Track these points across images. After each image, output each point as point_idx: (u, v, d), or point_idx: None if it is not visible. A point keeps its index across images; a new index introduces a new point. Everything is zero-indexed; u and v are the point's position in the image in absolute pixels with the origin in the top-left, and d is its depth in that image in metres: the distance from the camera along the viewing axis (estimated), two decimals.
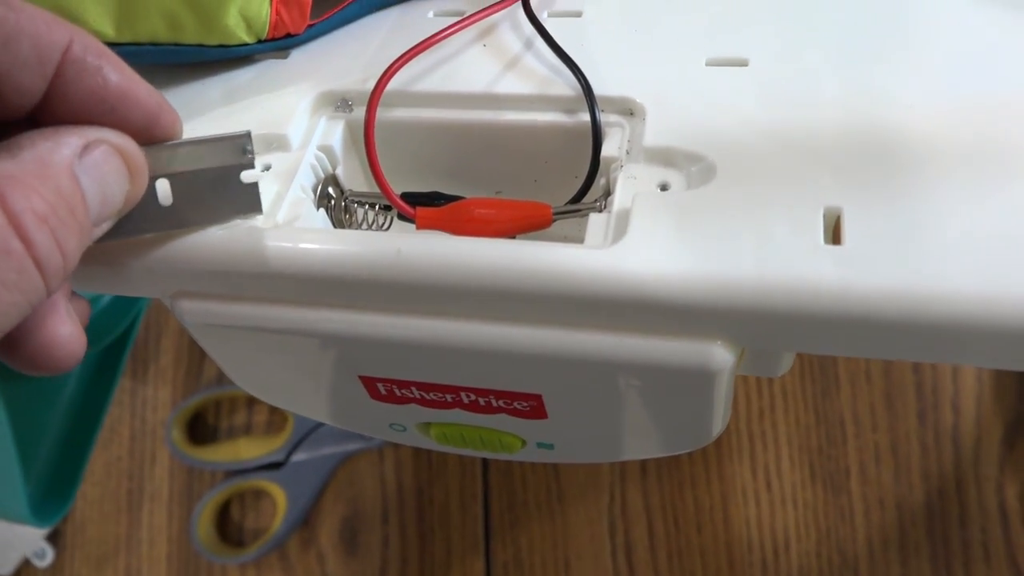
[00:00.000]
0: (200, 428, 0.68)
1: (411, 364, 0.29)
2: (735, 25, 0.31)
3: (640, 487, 0.59)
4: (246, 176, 0.26)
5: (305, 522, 0.64)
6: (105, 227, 0.24)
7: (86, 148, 0.23)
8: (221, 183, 0.26)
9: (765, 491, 0.58)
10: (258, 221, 0.27)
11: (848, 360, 0.60)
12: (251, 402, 0.67)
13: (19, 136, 0.22)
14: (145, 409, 0.69)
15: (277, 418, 0.67)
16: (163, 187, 0.25)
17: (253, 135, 0.30)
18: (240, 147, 0.26)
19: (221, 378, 0.68)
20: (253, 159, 0.26)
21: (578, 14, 0.33)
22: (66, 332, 0.24)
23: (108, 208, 0.24)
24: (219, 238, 0.27)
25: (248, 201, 0.27)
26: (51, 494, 0.63)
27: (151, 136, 0.25)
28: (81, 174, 0.22)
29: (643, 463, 0.60)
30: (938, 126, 0.27)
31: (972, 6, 0.30)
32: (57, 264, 0.22)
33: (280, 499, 0.64)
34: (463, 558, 0.61)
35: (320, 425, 0.65)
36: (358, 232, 0.27)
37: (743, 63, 0.30)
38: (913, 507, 0.56)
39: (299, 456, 0.64)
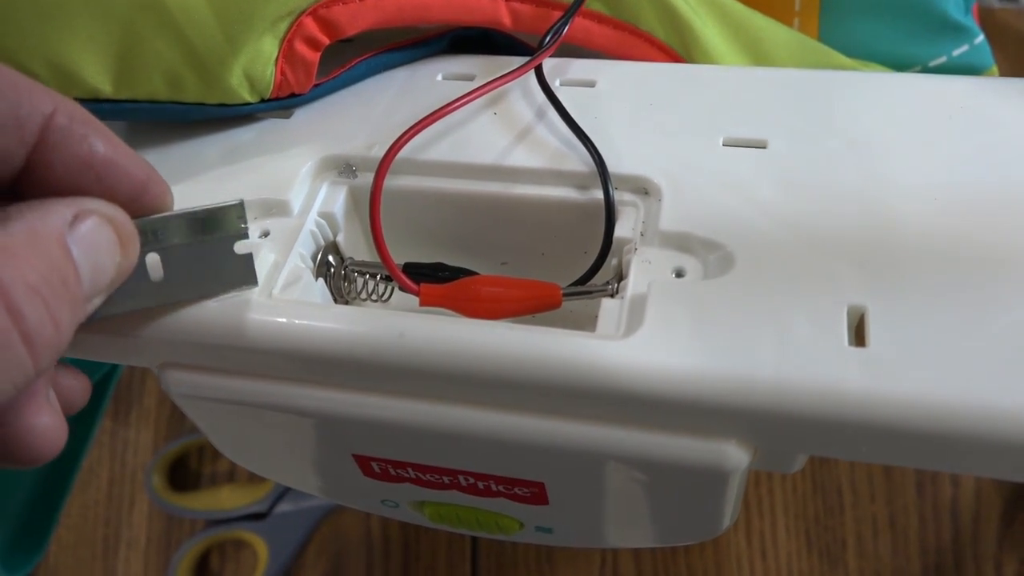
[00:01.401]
0: (182, 474, 0.66)
1: (408, 446, 0.28)
2: (753, 105, 0.30)
3: (633, 552, 0.58)
4: (239, 248, 0.25)
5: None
6: (97, 302, 0.23)
7: (76, 218, 0.22)
8: (214, 255, 0.25)
9: (760, 560, 0.57)
10: (254, 293, 0.26)
11: None
12: None
13: (6, 208, 0.21)
14: (126, 452, 0.67)
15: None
16: (153, 261, 0.24)
17: (253, 199, 0.29)
18: (233, 218, 0.25)
19: None
20: (247, 230, 0.25)
21: (592, 84, 0.32)
22: (44, 423, 0.23)
23: (100, 280, 0.23)
24: (211, 310, 0.26)
25: (242, 273, 0.26)
26: (23, 542, 0.61)
27: (139, 207, 0.24)
28: (72, 245, 0.21)
29: None
30: (962, 222, 0.26)
31: (996, 101, 0.30)
32: (49, 338, 0.20)
33: (262, 551, 0.62)
34: None
35: None
36: (359, 309, 0.26)
37: (762, 144, 0.29)
38: None
39: (283, 507, 0.62)
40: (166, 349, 0.27)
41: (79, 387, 0.25)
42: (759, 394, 0.23)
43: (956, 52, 0.43)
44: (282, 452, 0.31)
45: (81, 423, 0.65)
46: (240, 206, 0.25)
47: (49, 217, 0.21)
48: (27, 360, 0.20)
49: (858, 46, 0.43)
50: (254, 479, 0.65)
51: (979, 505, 0.56)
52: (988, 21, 0.59)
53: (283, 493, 0.63)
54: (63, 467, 0.64)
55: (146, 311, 0.26)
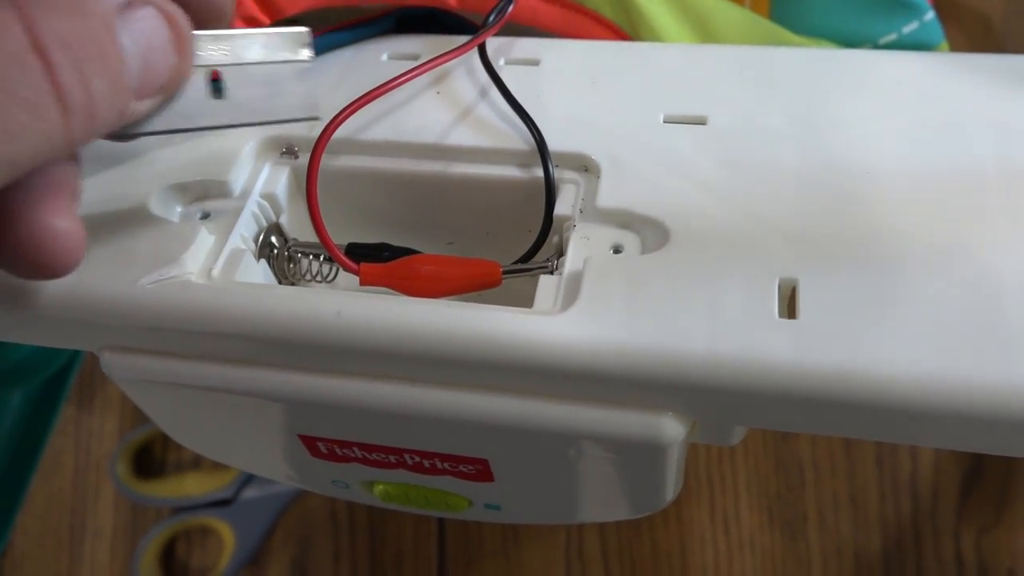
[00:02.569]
0: (147, 461, 0.66)
1: (352, 426, 0.28)
2: (695, 81, 0.31)
3: (598, 530, 0.58)
4: (301, 73, 0.24)
5: (254, 561, 0.62)
6: (150, 104, 0.22)
7: (130, 5, 0.20)
8: (276, 81, 0.24)
9: (723, 536, 0.57)
10: (191, 274, 0.26)
11: None
12: None
13: None
14: (90, 440, 0.66)
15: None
16: (213, 80, 0.24)
17: (192, 181, 0.29)
18: (299, 43, 0.24)
19: None
20: (312, 57, 0.24)
21: (535, 62, 0.32)
22: (65, 226, 0.21)
23: (151, 78, 0.21)
24: (150, 292, 0.26)
25: (303, 104, 0.25)
26: None
27: (202, 11, 0.23)
28: (121, 30, 0.20)
29: None
30: (900, 198, 0.26)
31: (940, 78, 0.30)
32: (81, 101, 0.19)
33: (228, 537, 0.62)
34: None
35: None
36: (296, 289, 0.26)
37: (702, 121, 0.29)
38: (870, 556, 0.56)
39: (249, 493, 0.62)
40: (104, 332, 0.27)
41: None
42: (691, 367, 0.23)
43: (906, 29, 0.44)
44: (229, 435, 0.31)
45: (42, 413, 0.65)
46: (308, 32, 0.24)
47: (101, 3, 0.19)
48: (57, 117, 0.19)
49: (809, 24, 0.43)
50: (219, 465, 0.65)
51: (937, 479, 0.56)
52: None
53: (249, 479, 0.63)
54: (24, 459, 0.64)
55: (83, 290, 0.26)
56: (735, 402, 0.23)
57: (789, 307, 0.24)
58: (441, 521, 0.61)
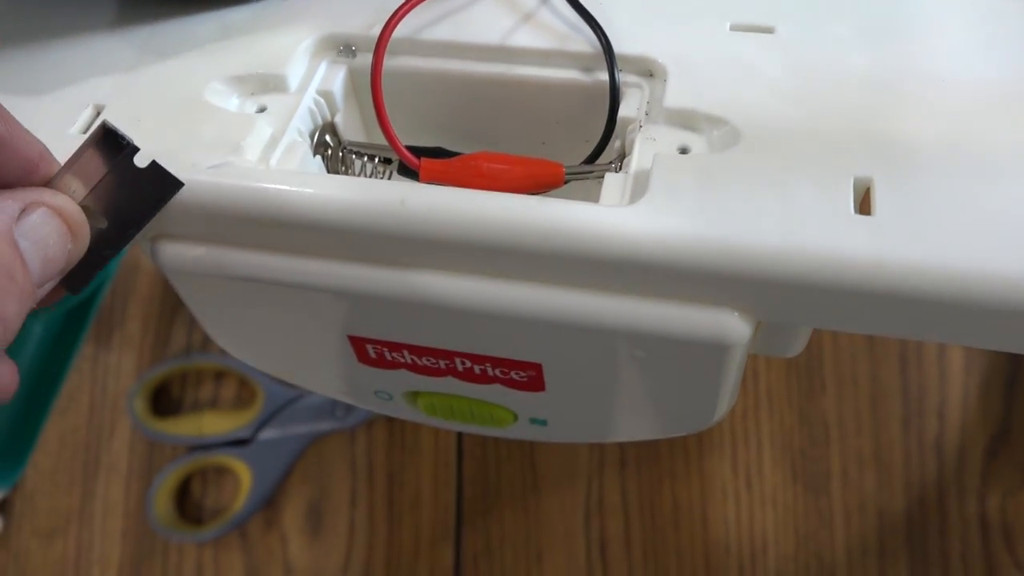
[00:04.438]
0: (164, 400, 0.65)
1: (406, 325, 0.28)
2: None
3: (618, 480, 0.58)
4: (139, 160, 0.23)
5: (269, 502, 0.62)
6: (49, 287, 0.23)
7: (24, 211, 0.22)
8: (123, 184, 0.24)
9: (745, 490, 0.57)
10: (250, 162, 0.26)
11: (835, 363, 0.59)
12: (219, 376, 0.65)
13: None
14: (107, 377, 0.66)
15: (245, 393, 0.65)
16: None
17: (249, 74, 0.28)
18: (108, 139, 0.23)
19: (189, 348, 0.66)
20: (129, 140, 0.23)
21: None
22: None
23: (51, 268, 0.23)
24: (210, 175, 0.25)
25: (163, 182, 0.24)
26: (2, 460, 0.61)
27: (31, 183, 0.24)
28: (20, 238, 0.22)
29: (623, 455, 0.58)
30: (971, 105, 0.26)
31: None
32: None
33: (245, 477, 0.61)
34: (432, 546, 0.59)
35: (290, 403, 0.63)
36: (359, 179, 0.25)
37: (769, 30, 0.28)
38: (893, 514, 0.55)
39: (267, 434, 0.62)
40: (160, 217, 0.26)
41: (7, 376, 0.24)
42: (764, 259, 0.22)
43: None
44: (276, 336, 0.31)
45: (62, 347, 0.65)
46: (102, 125, 0.23)
47: None
48: None
49: None
50: (238, 406, 0.64)
51: (963, 440, 0.56)
52: None
53: (267, 420, 0.62)
54: (43, 389, 0.64)
55: None
56: (805, 298, 0.23)
57: (863, 205, 0.23)
58: (460, 466, 0.60)
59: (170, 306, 0.68)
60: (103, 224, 0.24)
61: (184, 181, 0.24)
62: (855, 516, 0.56)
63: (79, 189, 0.23)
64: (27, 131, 0.23)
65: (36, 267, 0.22)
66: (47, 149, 0.24)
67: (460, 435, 0.61)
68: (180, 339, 0.66)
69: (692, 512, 0.57)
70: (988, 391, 0.57)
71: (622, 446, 0.59)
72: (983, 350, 0.58)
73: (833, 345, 0.59)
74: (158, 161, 0.23)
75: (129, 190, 0.24)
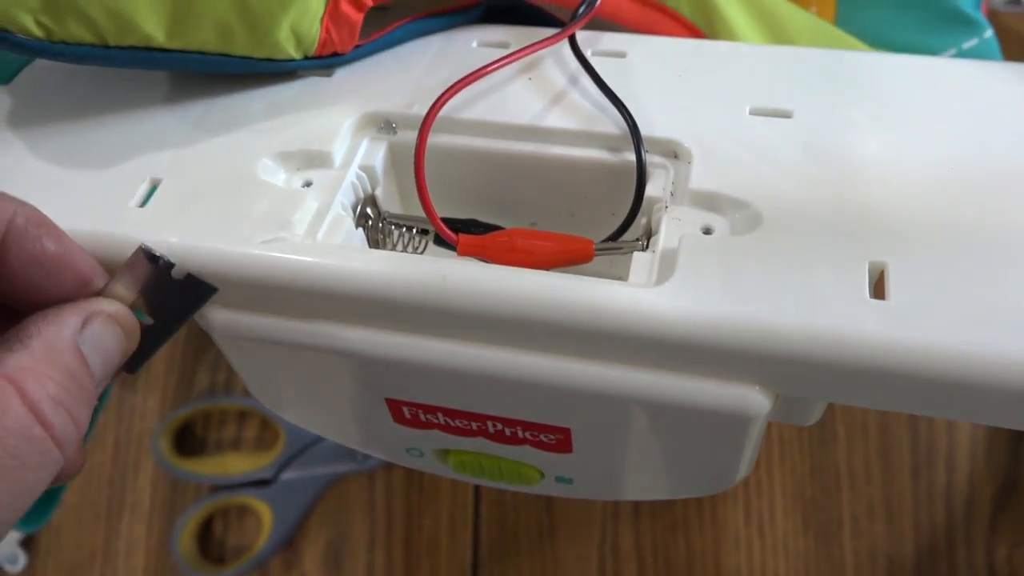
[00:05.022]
0: (188, 440, 0.67)
1: (442, 390, 0.29)
2: (778, 78, 0.32)
3: (632, 527, 0.59)
4: (176, 273, 0.26)
5: (289, 543, 0.63)
6: (106, 382, 0.26)
7: (85, 323, 0.25)
8: (164, 290, 0.27)
9: (757, 538, 0.58)
10: (298, 237, 0.27)
11: (846, 412, 0.60)
12: (242, 416, 0.67)
13: (26, 322, 0.25)
14: (132, 417, 0.68)
15: (268, 434, 0.66)
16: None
17: (296, 150, 0.30)
18: (147, 260, 0.26)
19: (213, 389, 0.67)
20: (167, 259, 0.26)
21: (622, 55, 0.33)
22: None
23: (110, 367, 0.26)
24: (262, 250, 0.27)
25: (200, 289, 0.26)
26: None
27: (86, 295, 0.27)
28: (84, 347, 0.25)
29: (637, 504, 0.60)
30: (981, 189, 0.27)
31: (1007, 84, 0.31)
32: (72, 435, 0.24)
33: (266, 517, 0.63)
34: None
35: (311, 444, 0.64)
36: (403, 255, 0.27)
37: (787, 115, 0.30)
38: (903, 563, 0.56)
39: (288, 475, 0.63)
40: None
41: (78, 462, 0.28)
42: (784, 339, 0.24)
43: (966, 45, 0.45)
44: (316, 397, 0.32)
45: None
46: (139, 249, 0.26)
47: (62, 328, 0.25)
48: (59, 456, 0.24)
49: (872, 35, 0.44)
50: (260, 447, 0.66)
51: (972, 490, 0.57)
52: (992, 23, 0.61)
53: (288, 461, 0.64)
54: None
55: (194, 250, 0.27)
56: (824, 376, 0.24)
57: (877, 288, 0.25)
58: (477, 511, 0.62)
59: (194, 348, 0.69)
60: (149, 322, 0.27)
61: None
62: (865, 564, 0.57)
63: (127, 296, 0.26)
64: (81, 248, 0.26)
65: (98, 369, 0.25)
66: (98, 265, 0.27)
67: None
68: (204, 380, 0.67)
69: (705, 560, 0.58)
70: (995, 443, 0.58)
71: None
72: None
73: None
74: (193, 273, 0.26)
75: (169, 295, 0.27)
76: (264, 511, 0.63)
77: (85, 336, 0.25)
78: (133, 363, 0.27)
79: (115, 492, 0.67)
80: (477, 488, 0.62)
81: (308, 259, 0.26)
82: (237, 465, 0.65)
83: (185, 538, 0.63)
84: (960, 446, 0.58)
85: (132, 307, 0.27)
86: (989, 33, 0.45)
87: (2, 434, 0.23)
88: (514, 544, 0.61)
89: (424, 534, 0.62)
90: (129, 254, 0.27)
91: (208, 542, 0.65)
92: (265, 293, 0.27)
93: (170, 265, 0.26)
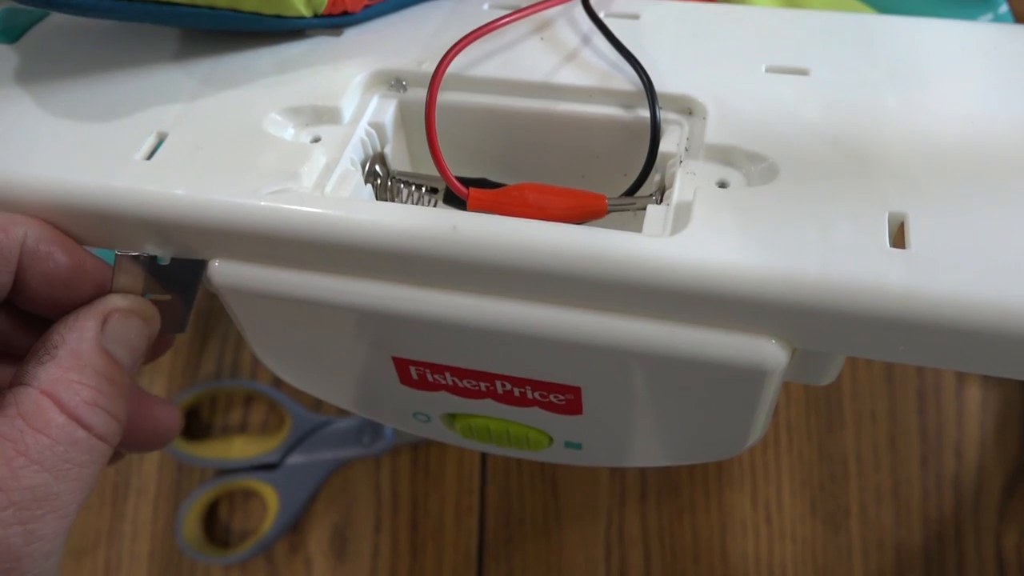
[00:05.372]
0: (194, 424, 0.66)
1: (450, 347, 0.29)
2: (793, 37, 0.31)
3: (639, 512, 0.59)
4: (162, 260, 0.28)
5: (295, 527, 0.63)
6: (138, 365, 0.29)
7: (104, 322, 0.28)
8: (161, 275, 0.29)
9: (764, 524, 0.57)
10: (306, 189, 0.27)
11: (854, 399, 0.59)
12: (248, 400, 0.66)
13: (50, 332, 0.27)
14: None
15: (274, 419, 0.66)
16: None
17: (305, 105, 0.30)
18: (131, 260, 0.28)
19: (219, 373, 0.67)
20: (145, 254, 0.28)
21: (635, 16, 0.33)
22: (163, 415, 0.33)
23: (137, 355, 0.28)
24: (269, 200, 0.26)
25: (192, 265, 0.28)
26: None
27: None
28: (108, 345, 0.27)
29: (643, 488, 0.59)
30: (1001, 142, 0.27)
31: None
32: (113, 428, 0.27)
33: (272, 501, 0.62)
34: (454, 573, 0.60)
35: (318, 428, 0.64)
36: (412, 207, 0.27)
37: (804, 72, 0.30)
38: (911, 550, 0.56)
39: (294, 459, 0.63)
40: (220, 239, 0.27)
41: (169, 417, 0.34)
42: (803, 289, 0.23)
43: (981, 19, 0.45)
44: (321, 355, 0.32)
45: None
46: (118, 257, 0.28)
47: (83, 332, 0.27)
48: (105, 448, 0.27)
49: (886, 10, 0.44)
50: (266, 431, 0.65)
51: (981, 478, 0.56)
52: None
53: (295, 445, 0.63)
54: None
55: (197, 200, 0.27)
56: (842, 327, 0.24)
57: (897, 238, 0.24)
58: (483, 495, 0.61)
59: (201, 331, 0.69)
60: (167, 297, 0.29)
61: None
62: (873, 551, 0.56)
63: (135, 285, 0.29)
64: (93, 256, 0.28)
65: (127, 360, 0.28)
66: (110, 268, 0.29)
67: (484, 464, 0.62)
68: (210, 363, 0.67)
69: (712, 545, 0.58)
70: (1005, 430, 0.57)
71: (643, 478, 0.60)
72: (1000, 388, 0.58)
73: (852, 382, 0.60)
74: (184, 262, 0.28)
75: (169, 277, 0.28)
76: (270, 495, 0.63)
77: (107, 335, 0.27)
78: (174, 326, 0.29)
79: (121, 476, 0.66)
80: (483, 473, 0.62)
81: (316, 210, 0.26)
82: (243, 449, 0.64)
83: (190, 522, 0.63)
84: (969, 434, 0.58)
85: (144, 293, 0.29)
86: (1004, 8, 0.45)
87: (50, 443, 0.25)
88: (520, 529, 0.60)
89: (430, 519, 0.62)
90: (137, 206, 0.27)
91: (213, 526, 0.64)
92: (271, 245, 0.27)
93: (152, 257, 0.28)
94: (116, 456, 0.33)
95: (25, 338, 0.30)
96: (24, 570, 0.25)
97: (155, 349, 0.32)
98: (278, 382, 0.65)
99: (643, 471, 0.60)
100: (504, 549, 0.60)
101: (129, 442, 0.32)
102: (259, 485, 0.63)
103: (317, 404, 0.64)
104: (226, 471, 0.64)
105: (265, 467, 0.63)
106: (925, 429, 0.58)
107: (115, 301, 0.28)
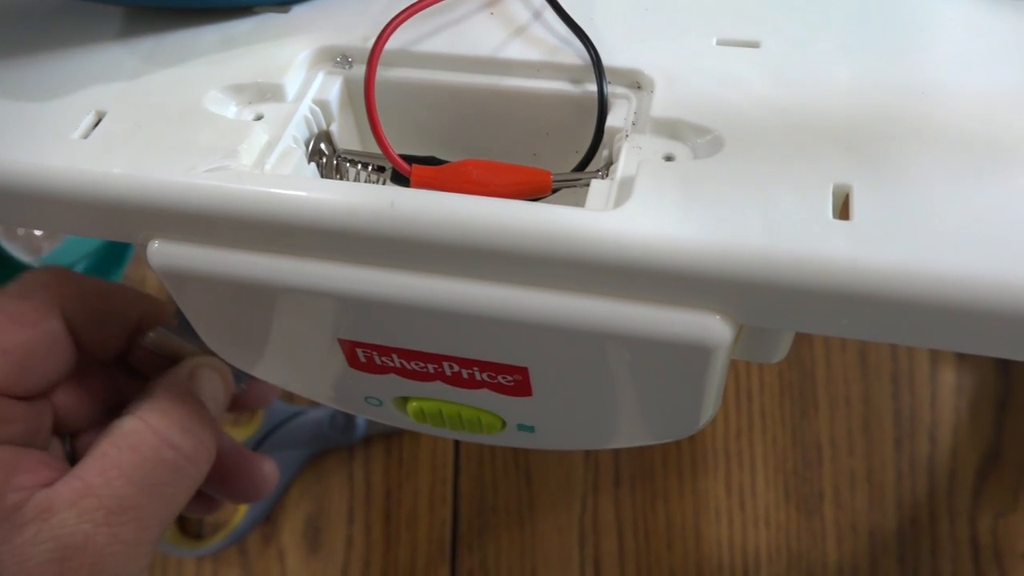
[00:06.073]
0: None
1: (394, 328, 0.28)
2: (746, 10, 0.31)
3: (612, 499, 0.58)
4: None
5: (268, 518, 0.62)
6: (223, 414, 0.36)
7: (192, 374, 0.34)
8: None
9: (738, 510, 0.57)
10: (242, 165, 0.27)
11: (828, 384, 0.59)
12: None
13: (155, 383, 0.34)
14: None
15: (246, 411, 0.65)
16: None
17: (248, 83, 0.29)
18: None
19: None
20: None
21: None
22: (265, 469, 0.39)
23: (219, 404, 0.35)
24: (205, 178, 0.26)
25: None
26: None
27: (150, 314, 0.36)
28: (196, 389, 0.34)
29: (617, 474, 0.59)
30: (951, 114, 0.26)
31: (984, 8, 0.30)
32: (201, 454, 0.32)
33: None
34: (428, 563, 0.59)
35: (289, 419, 0.63)
36: (350, 183, 0.26)
37: (755, 44, 0.29)
38: (885, 534, 0.55)
39: (266, 449, 0.62)
40: (156, 218, 0.27)
41: (262, 389, 0.40)
42: (745, 262, 0.23)
43: None
44: (268, 340, 0.31)
45: None
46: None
47: (177, 379, 0.34)
48: (193, 471, 0.32)
49: None
50: (238, 423, 0.65)
51: (955, 462, 0.56)
52: None
53: (266, 435, 0.63)
54: None
55: (131, 176, 0.26)
56: (785, 300, 0.23)
57: (842, 210, 0.24)
58: (456, 484, 0.61)
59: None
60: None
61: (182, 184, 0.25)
62: (847, 536, 0.56)
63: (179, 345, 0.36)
64: (180, 340, 0.36)
65: (211, 406, 0.34)
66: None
67: (457, 453, 0.62)
68: None
69: (686, 531, 0.57)
70: (978, 413, 0.57)
71: (617, 465, 0.59)
72: (974, 372, 0.58)
73: (826, 366, 0.59)
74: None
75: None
76: None
77: (196, 383, 0.34)
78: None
79: None
80: (456, 462, 0.61)
81: (250, 187, 0.26)
82: None
83: None
84: (943, 417, 0.57)
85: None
86: None
87: (140, 461, 0.30)
88: (493, 517, 0.60)
89: (403, 509, 0.61)
90: (71, 186, 0.27)
91: (186, 518, 0.64)
92: (207, 224, 0.26)
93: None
94: (215, 503, 0.40)
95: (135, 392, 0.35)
96: (105, 567, 0.29)
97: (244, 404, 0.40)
98: None
99: (616, 457, 0.59)
100: (478, 538, 0.60)
101: (229, 490, 0.38)
102: None
103: (289, 395, 0.64)
104: None
105: None
106: (899, 413, 0.58)
107: (204, 359, 0.35)
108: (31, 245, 0.56)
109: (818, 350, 0.59)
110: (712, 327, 0.25)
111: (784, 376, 0.59)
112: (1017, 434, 0.55)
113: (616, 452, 0.58)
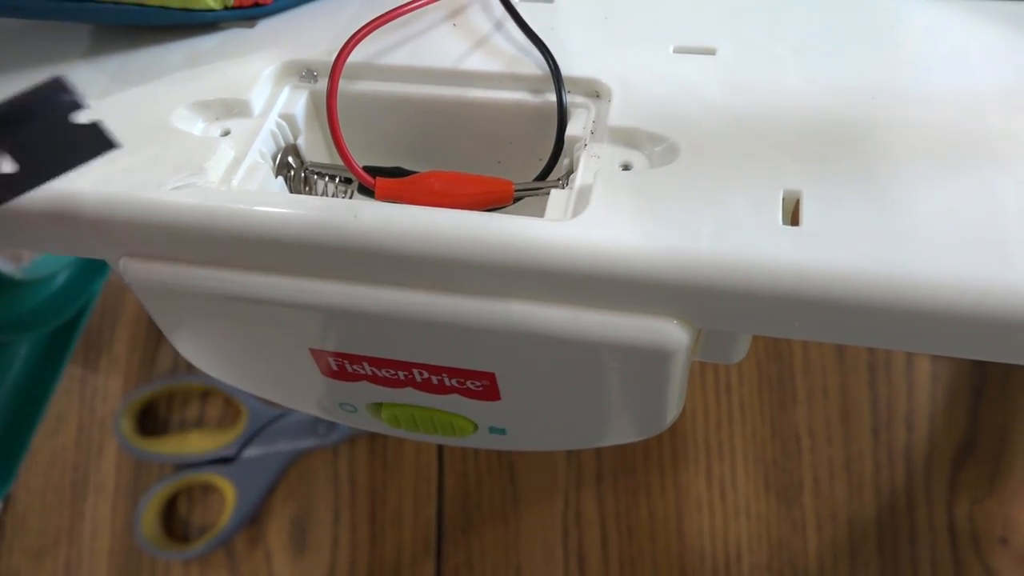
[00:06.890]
0: (151, 420, 0.66)
1: (363, 337, 0.29)
2: (704, 17, 0.31)
3: (595, 494, 0.59)
4: (80, 117, 0.23)
5: (254, 519, 0.63)
6: None
7: None
8: (58, 133, 0.23)
9: (719, 502, 0.58)
10: (211, 183, 0.27)
11: (805, 375, 0.60)
12: (204, 395, 0.66)
13: None
14: (95, 398, 0.67)
15: (230, 412, 0.66)
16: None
17: (214, 99, 0.30)
18: (57, 91, 0.23)
19: (175, 369, 0.67)
20: (77, 99, 0.23)
21: (549, 0, 0.33)
22: None
23: None
24: (171, 196, 0.26)
25: (96, 142, 0.24)
26: None
27: None
28: None
29: (599, 470, 0.59)
30: (899, 119, 0.27)
31: (937, 16, 0.31)
32: None
33: (229, 494, 0.62)
34: (414, 561, 0.60)
35: (274, 420, 0.64)
36: (314, 197, 0.27)
37: (711, 51, 0.30)
38: (864, 522, 0.56)
39: (251, 452, 0.63)
40: (126, 236, 0.27)
41: None
42: (696, 268, 0.24)
43: None
44: (242, 351, 0.32)
45: (48, 366, 0.65)
46: (58, 79, 0.23)
47: None
48: None
49: None
50: (223, 424, 0.65)
51: (931, 449, 0.57)
52: None
53: (251, 438, 0.63)
54: (29, 409, 0.64)
55: (105, 198, 0.27)
56: (738, 304, 0.24)
57: (793, 216, 0.25)
58: (440, 482, 0.61)
59: (156, 327, 0.69)
60: (9, 169, 0.24)
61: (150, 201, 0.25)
62: (827, 524, 0.57)
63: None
64: None
65: None
66: None
67: (441, 452, 0.62)
68: (166, 360, 0.67)
69: (668, 524, 0.58)
70: (955, 402, 0.58)
71: (599, 461, 0.60)
72: (950, 361, 0.59)
73: (803, 358, 0.60)
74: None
75: (55, 142, 0.24)
76: (228, 488, 0.63)
77: None
78: None
79: (79, 475, 0.66)
80: (440, 461, 0.62)
81: (216, 204, 0.26)
82: (200, 443, 0.64)
83: (149, 517, 0.63)
84: (920, 405, 0.58)
85: None
86: None
87: None
88: (478, 515, 0.60)
89: (388, 508, 0.62)
90: (40, 206, 0.27)
91: (173, 521, 0.65)
92: (176, 240, 0.27)
93: (76, 105, 0.23)
94: None
95: None
96: None
97: None
98: None
99: (598, 453, 0.60)
100: (463, 536, 0.60)
101: None
102: (216, 479, 0.63)
103: None
104: (184, 466, 0.64)
105: (222, 461, 0.63)
106: (876, 402, 0.59)
107: None
108: (12, 255, 0.56)
109: (796, 342, 0.60)
110: (669, 332, 0.25)
111: (763, 368, 0.60)
112: (992, 421, 0.56)
113: (598, 448, 0.59)
